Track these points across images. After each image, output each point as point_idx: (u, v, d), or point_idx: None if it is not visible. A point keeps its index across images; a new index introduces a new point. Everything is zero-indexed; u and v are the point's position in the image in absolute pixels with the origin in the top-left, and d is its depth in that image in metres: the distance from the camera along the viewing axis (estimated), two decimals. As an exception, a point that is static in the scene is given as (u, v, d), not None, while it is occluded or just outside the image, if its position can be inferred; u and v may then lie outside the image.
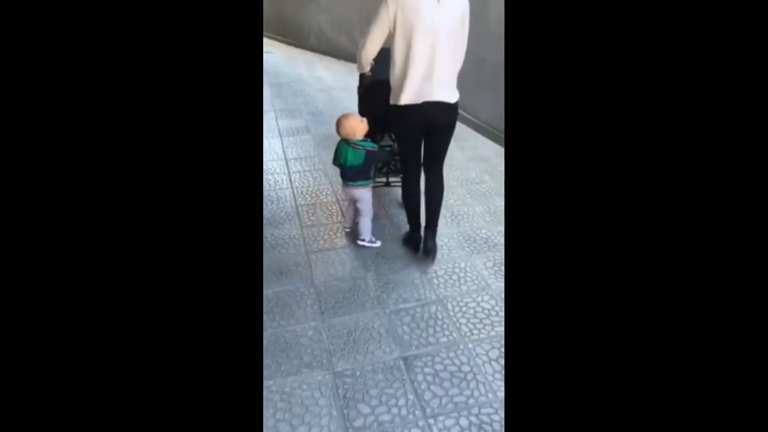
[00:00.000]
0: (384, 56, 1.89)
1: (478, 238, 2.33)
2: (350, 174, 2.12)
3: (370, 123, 2.10)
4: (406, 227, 2.32)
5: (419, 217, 2.13)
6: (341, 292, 1.93)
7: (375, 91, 2.16)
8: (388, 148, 2.39)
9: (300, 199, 2.72)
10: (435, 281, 2.00)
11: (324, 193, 2.79)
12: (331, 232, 2.38)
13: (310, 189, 2.84)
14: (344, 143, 2.09)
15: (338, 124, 2.06)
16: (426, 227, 2.10)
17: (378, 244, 2.26)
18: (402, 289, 1.95)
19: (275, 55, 6.98)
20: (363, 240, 2.24)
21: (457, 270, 2.08)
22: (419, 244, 2.13)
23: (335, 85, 5.19)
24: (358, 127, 2.05)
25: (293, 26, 7.61)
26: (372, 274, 2.05)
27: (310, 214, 2.55)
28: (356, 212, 2.24)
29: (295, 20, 7.49)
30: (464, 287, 1.96)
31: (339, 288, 1.96)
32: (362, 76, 2.33)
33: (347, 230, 2.37)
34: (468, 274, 2.05)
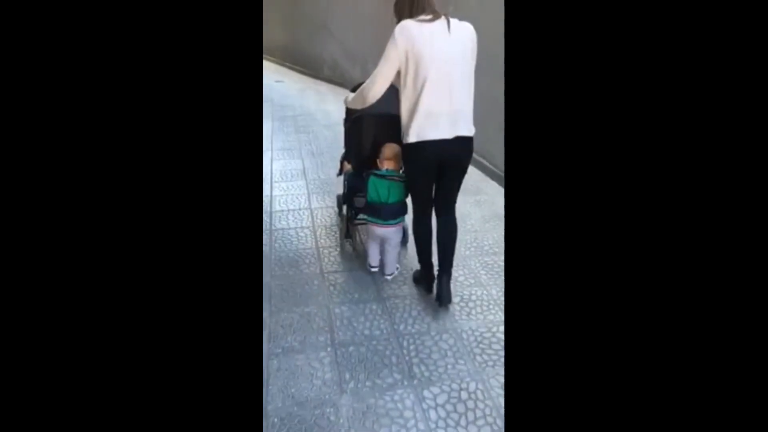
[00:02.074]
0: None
1: (494, 340, 1.78)
2: (391, 211, 1.97)
3: (358, 159, 2.08)
4: (402, 311, 1.92)
5: (431, 255, 1.97)
6: (301, 430, 1.40)
7: (362, 126, 2.04)
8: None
9: (277, 269, 2.23)
10: (432, 414, 1.45)
11: (307, 262, 2.29)
12: (305, 322, 1.86)
13: (291, 255, 2.35)
14: (381, 179, 1.95)
15: (383, 149, 1.96)
16: (440, 273, 1.92)
17: (398, 269, 2.18)
18: (386, 427, 1.41)
19: (286, 84, 6.69)
20: (391, 274, 2.13)
21: (464, 396, 1.52)
22: (432, 283, 1.98)
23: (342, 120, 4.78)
24: (398, 157, 1.94)
25: (307, 56, 7.37)
26: (347, 397, 1.52)
27: (283, 291, 2.05)
28: (383, 251, 2.10)
29: (309, 50, 7.25)
30: (473, 430, 1.41)
31: (300, 421, 1.43)
32: (349, 110, 2.11)
33: (374, 269, 2.18)
34: (479, 405, 1.49)
